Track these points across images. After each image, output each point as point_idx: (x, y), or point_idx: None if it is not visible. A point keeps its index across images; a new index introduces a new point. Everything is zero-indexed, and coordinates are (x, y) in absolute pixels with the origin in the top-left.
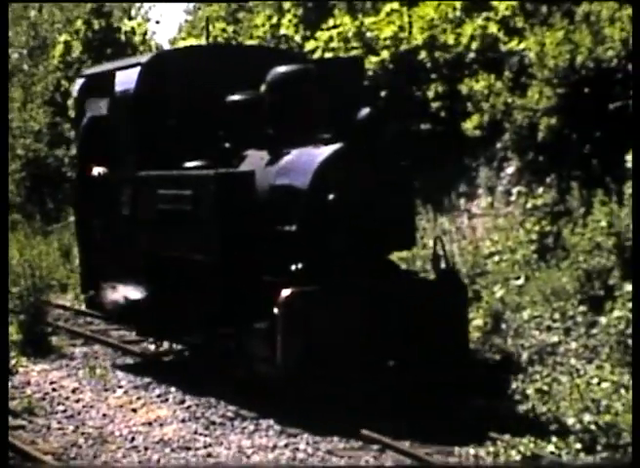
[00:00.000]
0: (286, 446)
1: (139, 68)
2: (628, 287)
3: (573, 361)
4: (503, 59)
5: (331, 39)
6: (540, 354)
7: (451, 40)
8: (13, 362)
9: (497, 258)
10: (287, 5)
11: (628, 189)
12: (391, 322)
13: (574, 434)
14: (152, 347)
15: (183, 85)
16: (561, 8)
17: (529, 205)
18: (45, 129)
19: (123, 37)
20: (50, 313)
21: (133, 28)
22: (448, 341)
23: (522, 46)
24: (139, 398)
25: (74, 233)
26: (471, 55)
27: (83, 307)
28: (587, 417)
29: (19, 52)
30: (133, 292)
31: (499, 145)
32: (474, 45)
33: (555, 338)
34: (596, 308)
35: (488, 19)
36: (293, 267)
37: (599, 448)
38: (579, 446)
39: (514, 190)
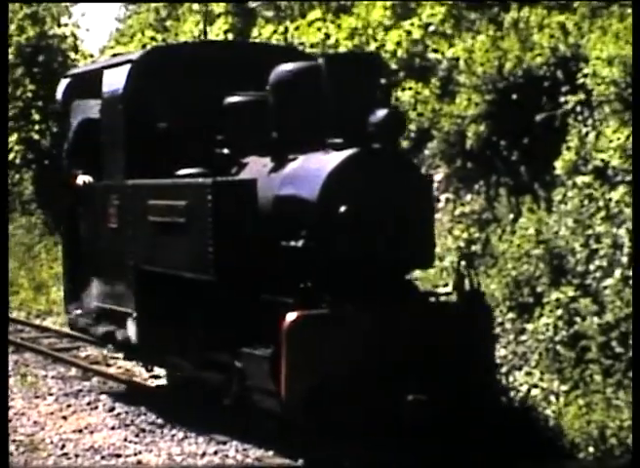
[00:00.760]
0: (215, 453)
1: (128, 66)
2: (556, 294)
3: (503, 369)
4: (431, 67)
5: None
6: None
7: (373, 47)
8: None
9: None
10: (218, 9)
11: (557, 196)
12: (411, 352)
13: None
14: (83, 355)
15: (178, 85)
16: (487, 14)
17: (457, 212)
18: None
19: (55, 43)
20: None
21: (64, 34)
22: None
23: (450, 53)
24: (69, 405)
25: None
26: (396, 62)
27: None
28: None
29: None
30: (121, 322)
31: (426, 152)
32: (400, 52)
33: None
34: (525, 315)
35: (412, 24)
36: (302, 285)
37: None
38: None
39: (442, 197)
